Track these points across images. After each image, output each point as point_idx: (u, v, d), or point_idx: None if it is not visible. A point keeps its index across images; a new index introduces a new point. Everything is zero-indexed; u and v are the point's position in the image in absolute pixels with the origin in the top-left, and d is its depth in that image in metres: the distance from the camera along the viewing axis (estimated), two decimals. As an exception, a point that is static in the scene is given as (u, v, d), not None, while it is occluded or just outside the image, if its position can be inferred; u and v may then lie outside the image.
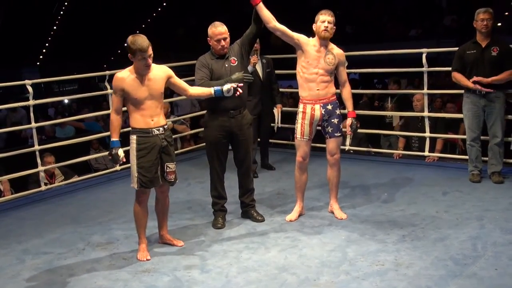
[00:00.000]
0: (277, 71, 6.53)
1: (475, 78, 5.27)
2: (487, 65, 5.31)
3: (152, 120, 4.00)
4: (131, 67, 3.99)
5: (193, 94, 4.33)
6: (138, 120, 3.99)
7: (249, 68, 5.28)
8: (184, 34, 22.42)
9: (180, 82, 4.20)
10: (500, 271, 3.57)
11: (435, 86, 6.85)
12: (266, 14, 4.46)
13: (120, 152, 3.97)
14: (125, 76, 3.94)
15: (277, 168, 6.39)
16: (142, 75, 3.96)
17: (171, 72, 4.13)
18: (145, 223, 4.17)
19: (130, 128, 4.05)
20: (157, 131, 4.02)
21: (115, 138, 3.98)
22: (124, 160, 4.01)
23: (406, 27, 17.20)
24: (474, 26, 5.42)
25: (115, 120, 3.98)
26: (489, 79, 5.23)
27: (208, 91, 4.24)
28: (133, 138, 3.99)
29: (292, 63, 6.25)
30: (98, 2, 24.89)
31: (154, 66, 4.02)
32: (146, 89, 3.97)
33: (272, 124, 6.45)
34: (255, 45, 5.52)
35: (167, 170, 4.11)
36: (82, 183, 6.43)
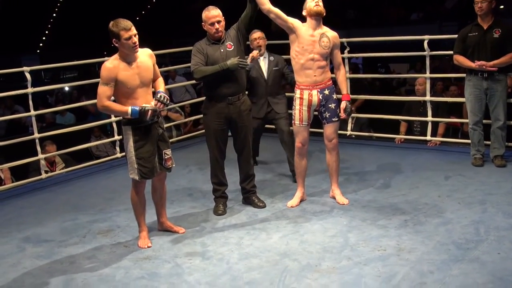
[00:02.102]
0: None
1: (477, 62, 5.21)
2: (489, 47, 5.26)
3: None
4: (116, 56, 3.85)
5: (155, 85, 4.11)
6: None
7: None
8: (184, 19, 22.26)
9: (157, 71, 4.08)
10: (502, 255, 3.54)
11: (438, 69, 6.80)
12: None
13: (147, 106, 3.81)
14: (116, 65, 3.81)
15: (277, 154, 6.31)
16: (130, 62, 3.84)
17: (153, 57, 4.03)
18: (144, 211, 4.15)
19: (119, 119, 3.87)
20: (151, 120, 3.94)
21: (128, 107, 3.80)
22: (161, 106, 3.86)
23: (407, 11, 17.09)
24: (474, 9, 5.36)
25: (110, 104, 3.82)
26: (491, 63, 5.18)
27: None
28: (128, 128, 3.90)
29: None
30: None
31: (140, 52, 3.90)
32: (137, 77, 3.86)
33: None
34: (258, 40, 5.37)
35: (165, 157, 4.08)
36: (83, 170, 6.41)
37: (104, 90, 3.80)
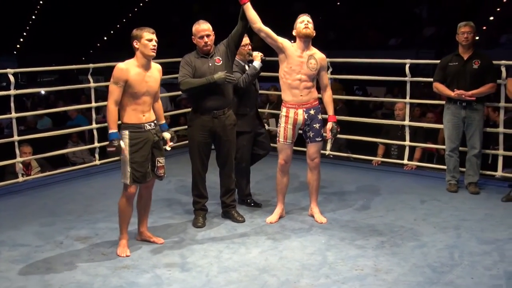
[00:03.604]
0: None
1: (456, 91, 5.36)
2: (468, 78, 5.42)
3: (144, 115, 4.01)
4: (132, 60, 4.00)
5: (154, 107, 4.19)
6: (130, 115, 3.97)
7: (257, 64, 4.90)
8: (165, 30, 22.32)
9: (157, 92, 4.19)
10: (476, 280, 3.64)
11: (413, 95, 6.97)
12: (252, 14, 4.48)
13: (122, 143, 3.92)
14: (129, 67, 3.94)
15: (258, 170, 6.36)
16: (143, 68, 3.97)
17: (161, 73, 4.18)
18: (129, 218, 4.15)
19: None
20: (149, 126, 4.04)
21: (114, 130, 3.91)
22: (126, 151, 3.94)
23: (386, 36, 17.44)
24: (456, 39, 5.52)
25: (114, 111, 3.92)
26: (470, 93, 5.33)
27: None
28: (125, 133, 3.96)
29: (273, 65, 6.19)
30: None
31: (153, 65, 4.08)
32: (146, 85, 3.99)
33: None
34: (249, 46, 5.19)
35: (158, 164, 4.12)
36: (60, 176, 6.35)
37: (113, 89, 3.92)
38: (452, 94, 5.40)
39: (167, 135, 4.18)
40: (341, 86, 10.78)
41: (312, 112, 4.60)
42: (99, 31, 25.13)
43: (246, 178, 5.20)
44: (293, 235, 4.45)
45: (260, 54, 4.97)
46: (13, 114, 5.86)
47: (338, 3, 19.50)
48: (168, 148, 4.20)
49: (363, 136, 6.83)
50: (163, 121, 4.25)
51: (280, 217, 4.81)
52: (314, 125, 4.62)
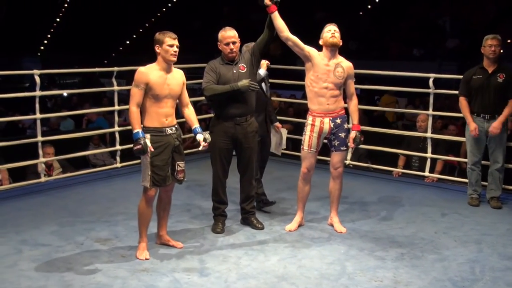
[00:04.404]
0: (277, 81, 6.50)
1: (490, 130, 5.31)
2: (492, 91, 5.36)
3: (166, 119, 4.05)
4: (154, 64, 4.05)
5: (184, 113, 4.28)
6: (153, 118, 4.01)
7: (262, 71, 5.03)
8: (186, 36, 22.48)
9: (185, 95, 4.24)
10: (497, 296, 3.60)
11: (434, 107, 6.95)
12: (280, 23, 4.49)
13: (148, 141, 3.94)
14: (149, 71, 4.00)
15: (278, 178, 6.39)
16: (165, 71, 4.02)
17: (185, 80, 4.22)
18: (149, 221, 4.17)
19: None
20: (170, 131, 4.07)
21: (138, 129, 3.94)
22: (152, 149, 3.96)
23: (408, 47, 17.35)
24: (482, 51, 5.48)
25: (136, 112, 3.97)
26: (496, 126, 5.28)
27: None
28: (147, 136, 3.98)
29: (291, 73, 6.19)
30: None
31: (174, 69, 4.12)
32: (168, 87, 4.03)
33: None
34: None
35: (178, 168, 4.15)
36: (81, 177, 6.41)
37: (134, 92, 3.98)
38: (469, 119, 5.39)
39: (200, 136, 4.18)
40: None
41: (338, 121, 4.60)
42: (122, 35, 25.41)
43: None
44: (312, 244, 4.43)
45: (267, 62, 5.03)
46: (38, 115, 5.93)
47: (361, 13, 19.45)
48: (201, 149, 4.19)
49: (383, 146, 6.79)
50: (196, 125, 4.24)
51: (300, 225, 4.80)
52: (340, 134, 4.62)
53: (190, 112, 4.26)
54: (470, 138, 5.54)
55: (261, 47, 4.64)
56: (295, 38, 4.53)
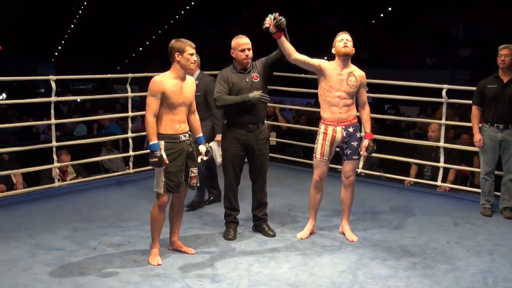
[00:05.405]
0: (281, 88, 6.52)
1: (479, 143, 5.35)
2: (507, 101, 5.34)
3: (180, 126, 4.08)
4: (168, 72, 4.08)
5: (189, 120, 4.26)
6: (167, 125, 4.04)
7: None
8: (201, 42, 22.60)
9: (193, 103, 4.26)
10: (510, 307, 3.58)
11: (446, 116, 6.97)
12: (287, 47, 4.47)
13: (164, 154, 3.98)
14: (164, 80, 4.02)
15: (289, 186, 6.38)
16: (179, 79, 4.06)
17: (195, 87, 4.25)
18: (161, 227, 4.20)
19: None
20: (184, 137, 4.10)
21: (155, 141, 3.97)
22: (167, 162, 4.00)
23: (421, 55, 17.29)
24: (497, 61, 5.47)
25: (153, 123, 3.99)
26: None
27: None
28: (161, 143, 4.01)
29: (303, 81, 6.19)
30: (117, 6, 25.18)
31: (187, 77, 4.16)
32: (182, 95, 4.07)
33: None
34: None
35: (191, 175, 4.18)
36: (94, 182, 6.47)
37: (151, 102, 3.99)
38: (476, 130, 5.43)
39: (203, 148, 4.22)
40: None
41: (351, 129, 4.60)
42: (135, 41, 25.58)
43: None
44: (323, 252, 4.43)
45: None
46: (53, 121, 6.00)
47: (373, 21, 19.44)
48: (199, 161, 4.22)
49: (395, 155, 6.77)
50: (200, 134, 4.29)
51: (311, 233, 4.80)
52: (352, 143, 4.62)
53: (195, 121, 4.28)
54: (484, 148, 5.52)
55: (272, 62, 4.65)
56: (303, 58, 4.53)
